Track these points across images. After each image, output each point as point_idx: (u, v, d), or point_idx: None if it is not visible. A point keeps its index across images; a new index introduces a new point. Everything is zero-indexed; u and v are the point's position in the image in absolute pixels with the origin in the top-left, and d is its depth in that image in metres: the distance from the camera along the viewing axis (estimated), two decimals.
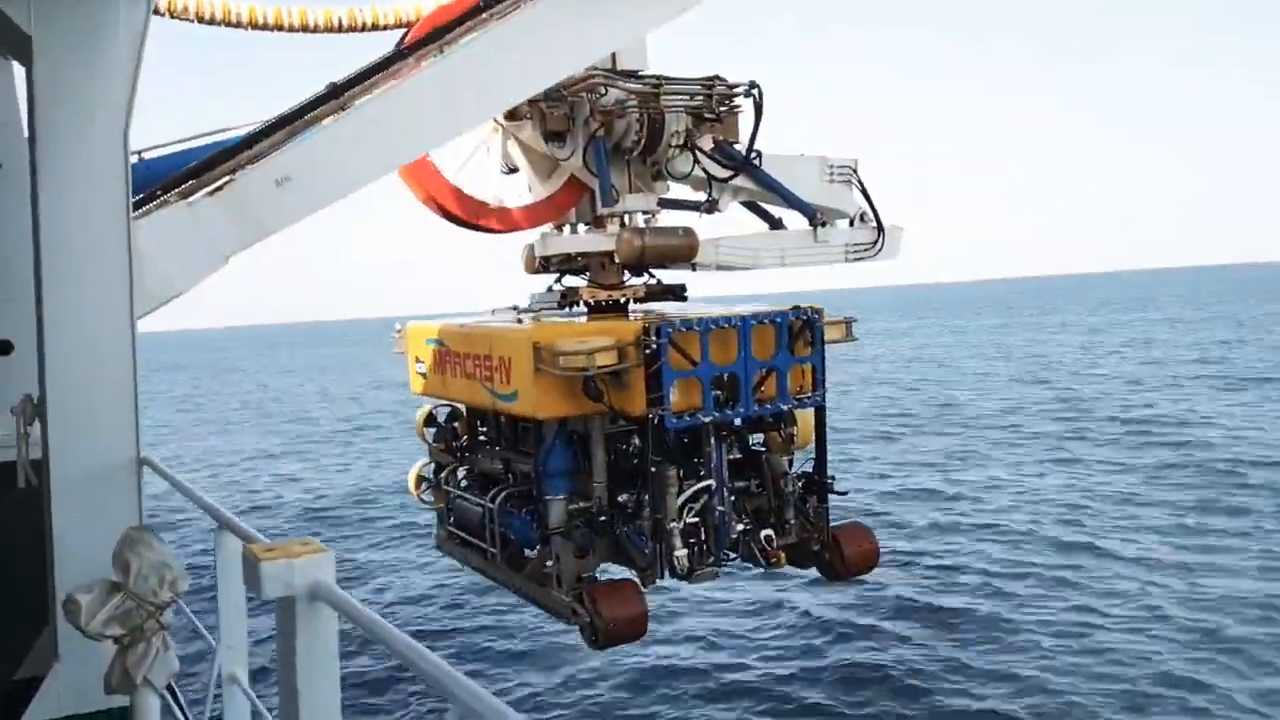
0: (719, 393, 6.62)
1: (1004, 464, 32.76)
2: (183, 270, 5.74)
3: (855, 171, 8.95)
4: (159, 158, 6.72)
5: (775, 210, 8.88)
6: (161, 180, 6.01)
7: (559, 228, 7.92)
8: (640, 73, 7.38)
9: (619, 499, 6.77)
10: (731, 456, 7.23)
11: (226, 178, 5.82)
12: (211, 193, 5.77)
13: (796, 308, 7.00)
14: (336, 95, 6.47)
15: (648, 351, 6.31)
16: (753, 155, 8.28)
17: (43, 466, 5.39)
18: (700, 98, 7.68)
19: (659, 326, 6.34)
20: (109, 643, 4.05)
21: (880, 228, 9.04)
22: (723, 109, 7.81)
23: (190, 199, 5.78)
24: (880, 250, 9.10)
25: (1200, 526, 22.76)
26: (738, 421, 6.93)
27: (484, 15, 6.66)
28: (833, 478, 7.43)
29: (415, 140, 6.55)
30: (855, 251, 9.01)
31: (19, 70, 8.50)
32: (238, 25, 8.46)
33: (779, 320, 6.83)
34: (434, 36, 6.68)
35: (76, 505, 5.20)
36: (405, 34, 7.32)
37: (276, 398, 77.38)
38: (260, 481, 37.03)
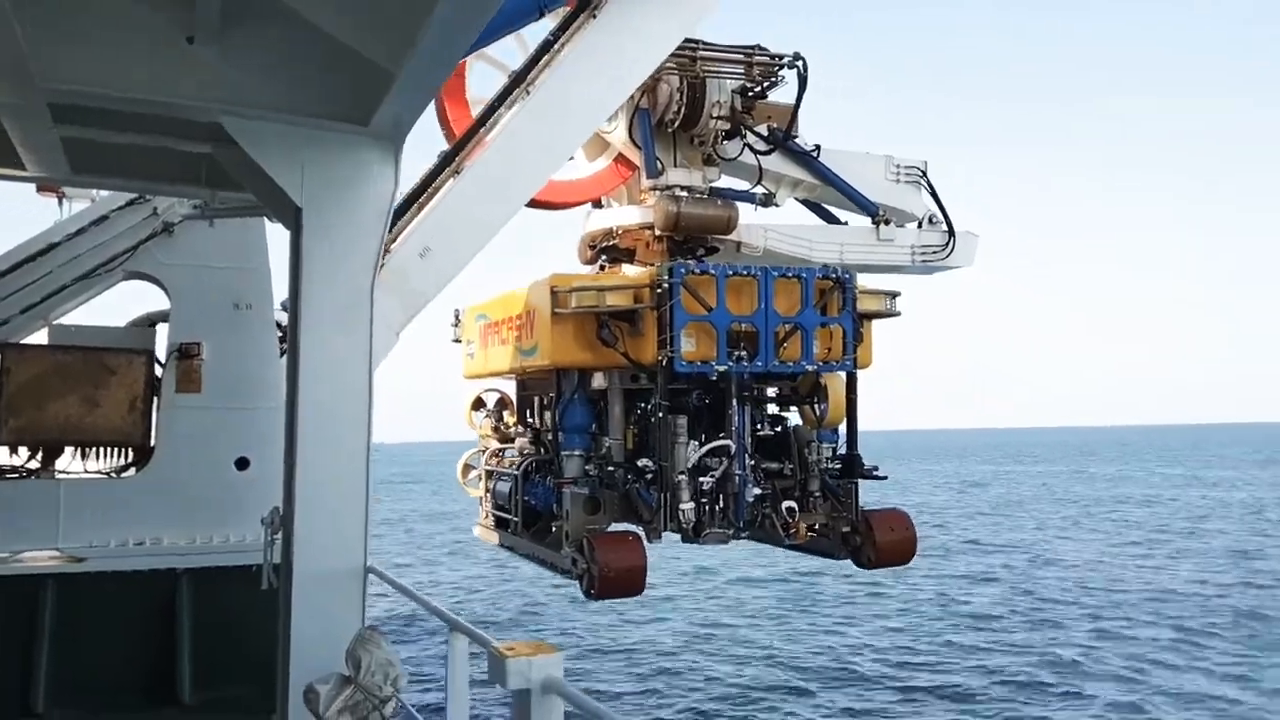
0: (741, 350, 6.25)
1: None
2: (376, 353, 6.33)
3: (925, 173, 8.59)
4: None
5: (841, 214, 8.56)
6: None
7: (600, 207, 7.78)
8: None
9: (638, 462, 6.41)
10: (761, 432, 6.85)
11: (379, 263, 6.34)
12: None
13: (826, 267, 6.79)
14: (449, 162, 6.84)
15: (659, 291, 6.15)
16: (811, 147, 7.96)
17: (283, 570, 6.31)
18: (740, 66, 7.40)
19: (672, 267, 6.21)
20: None
21: (951, 231, 8.59)
22: (766, 82, 7.52)
23: None
24: (951, 254, 8.63)
25: None
26: (756, 379, 6.37)
27: (554, 46, 6.88)
28: (875, 468, 6.83)
29: (527, 179, 6.93)
30: (923, 254, 8.55)
31: (269, 225, 10.03)
32: None
33: (805, 276, 6.55)
34: (514, 84, 6.91)
35: (311, 606, 6.04)
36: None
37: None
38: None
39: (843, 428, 6.91)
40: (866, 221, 8.39)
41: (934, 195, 8.67)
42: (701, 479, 6.27)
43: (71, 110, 6.12)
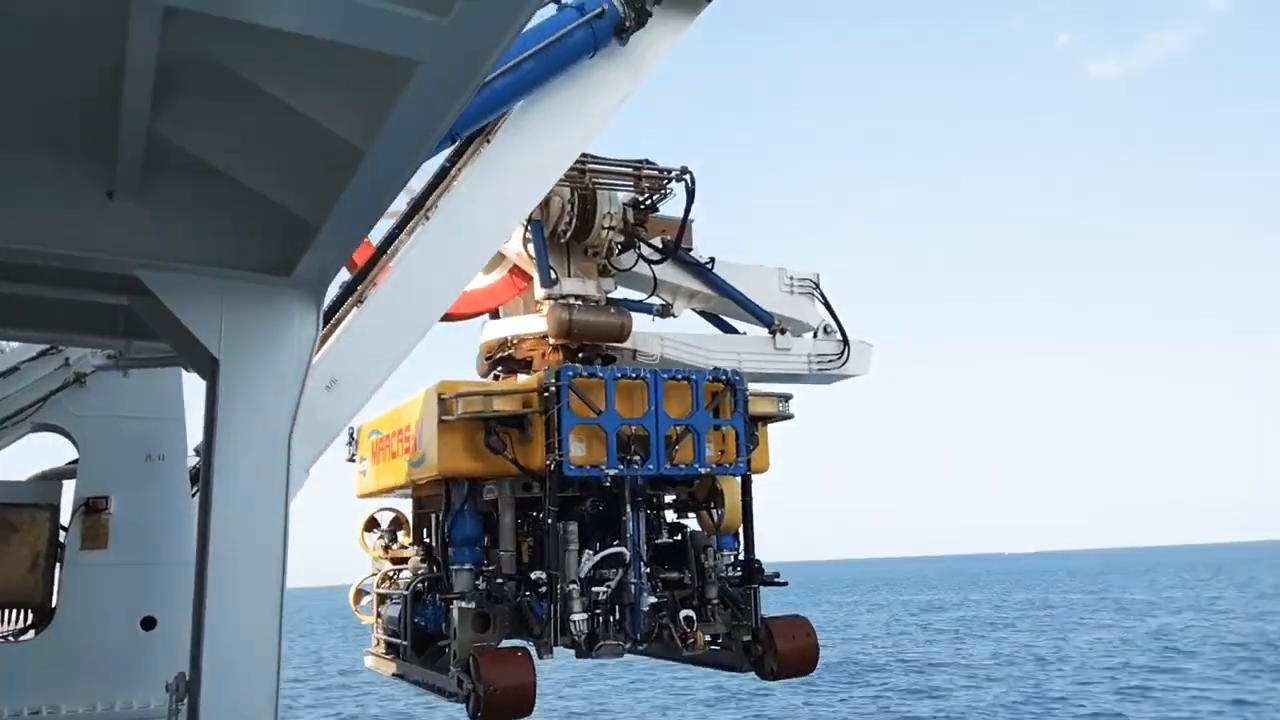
0: (633, 455, 6.21)
1: None
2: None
3: (817, 285, 8.89)
4: None
5: (740, 325, 8.87)
6: None
7: (497, 317, 7.87)
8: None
9: (532, 575, 6.24)
10: (659, 540, 6.82)
11: None
12: None
13: (717, 369, 6.86)
14: (351, 292, 7.00)
15: (546, 395, 6.13)
16: (705, 259, 8.29)
17: None
18: (629, 179, 7.70)
19: (559, 370, 6.22)
20: None
21: (845, 340, 8.86)
22: (655, 194, 7.81)
23: None
24: (847, 363, 8.84)
25: None
26: (650, 484, 6.40)
27: (450, 171, 7.05)
28: (777, 574, 6.77)
29: (430, 304, 7.00)
30: (820, 363, 8.80)
31: (186, 376, 9.86)
32: None
33: (695, 378, 6.61)
34: (413, 210, 7.10)
35: None
36: None
37: None
38: None
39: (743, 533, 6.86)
40: (763, 332, 8.66)
41: (827, 306, 9.06)
42: (596, 589, 6.14)
43: None
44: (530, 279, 7.94)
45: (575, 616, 6.00)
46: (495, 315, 8.12)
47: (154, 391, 9.64)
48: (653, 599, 6.37)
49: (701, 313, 9.12)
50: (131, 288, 6.28)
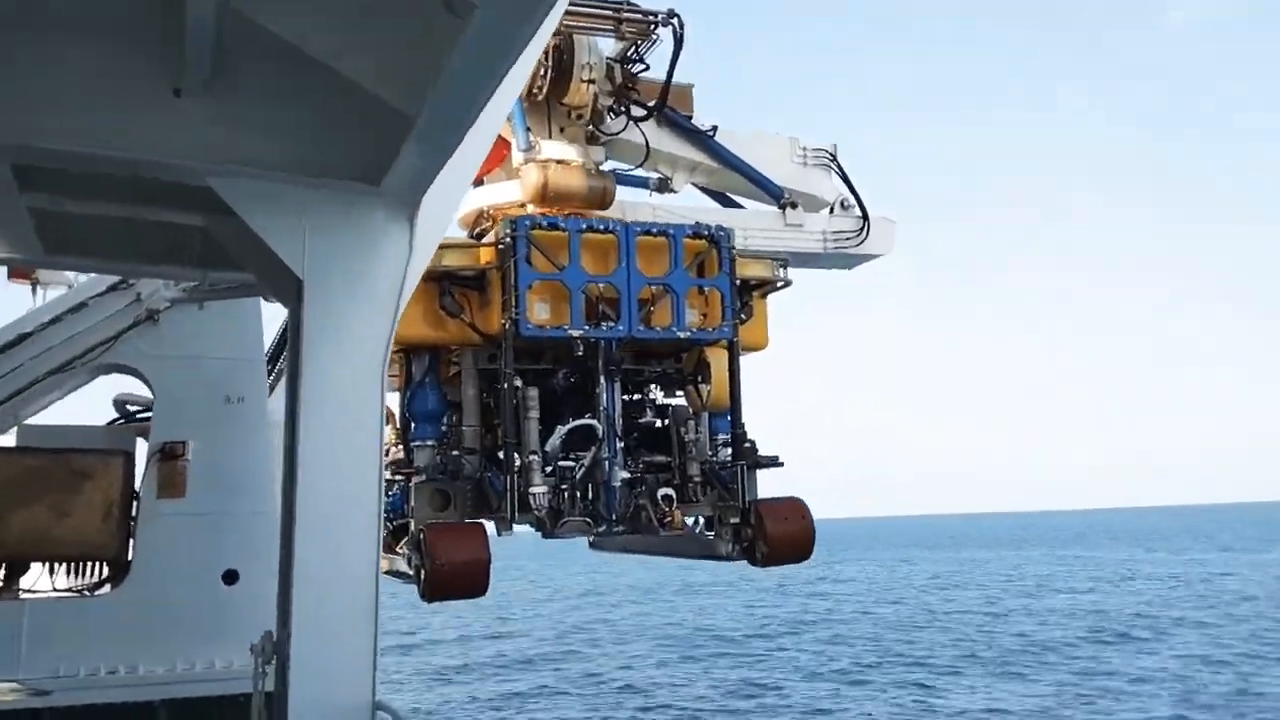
0: (607, 319, 5.86)
1: None
2: None
3: (834, 157, 8.29)
4: None
5: (747, 203, 8.23)
6: None
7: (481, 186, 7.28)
8: None
9: (498, 452, 5.96)
10: (642, 420, 6.47)
11: None
12: None
13: (698, 223, 6.37)
14: None
15: (502, 248, 5.74)
16: (708, 127, 7.55)
17: (276, 703, 5.49)
18: (609, 22, 7.04)
19: (516, 220, 5.82)
20: None
21: (865, 215, 8.26)
22: (640, 39, 7.19)
23: None
24: (866, 240, 8.28)
25: None
26: (627, 351, 6.00)
27: None
28: (775, 457, 6.30)
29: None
30: (836, 240, 8.20)
31: (266, 308, 9.40)
32: None
33: (673, 233, 6.15)
34: None
35: None
36: None
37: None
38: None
39: None
40: (773, 207, 8.07)
41: (845, 179, 8.40)
42: (565, 464, 5.86)
43: (39, 175, 5.55)
44: (511, 146, 7.28)
45: (535, 489, 5.68)
46: (479, 184, 7.43)
47: (231, 329, 9.23)
48: (625, 474, 6.05)
49: (704, 189, 8.49)
50: (205, 204, 5.72)
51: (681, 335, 6.16)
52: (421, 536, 5.67)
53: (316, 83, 4.92)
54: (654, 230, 6.20)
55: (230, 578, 8.89)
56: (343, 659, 5.31)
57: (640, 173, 7.79)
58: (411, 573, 5.94)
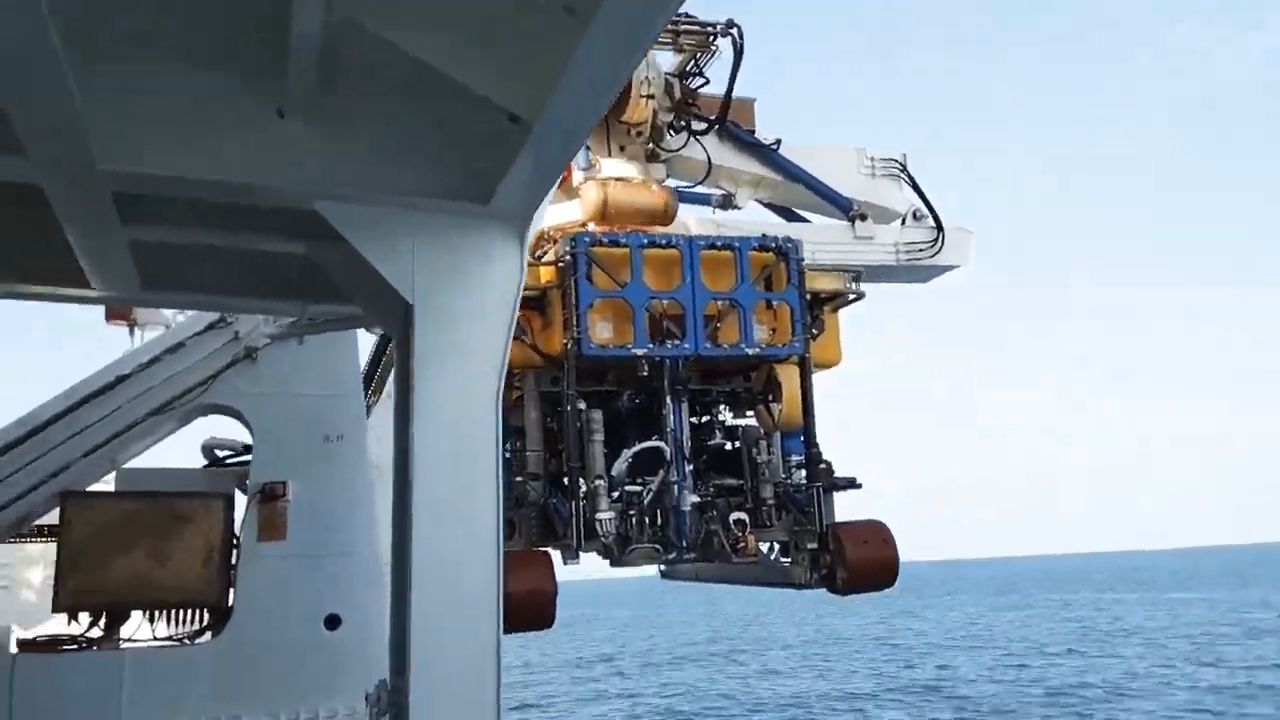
0: (673, 338, 5.75)
1: None
2: None
3: (904, 166, 8.14)
4: None
5: (813, 219, 8.08)
6: None
7: None
8: None
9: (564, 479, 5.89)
10: (712, 442, 6.28)
11: None
12: None
13: (765, 235, 6.23)
14: None
15: (562, 266, 5.65)
16: (771, 141, 7.51)
17: None
18: (666, 34, 6.96)
19: (576, 236, 5.71)
20: None
21: (939, 225, 8.03)
22: (699, 52, 7.08)
23: None
24: (941, 251, 8.05)
25: None
26: (694, 370, 5.90)
27: None
28: (853, 479, 6.16)
29: None
30: (910, 253, 8.01)
31: (363, 339, 9.20)
32: None
33: (738, 246, 6.04)
34: None
35: None
36: None
37: None
38: None
39: None
40: (842, 220, 7.97)
41: (916, 189, 8.18)
42: (631, 489, 5.78)
43: (139, 205, 5.35)
44: (571, 166, 7.27)
45: (601, 515, 5.55)
46: None
47: (329, 365, 9.06)
48: (695, 497, 5.91)
49: (769, 205, 8.40)
50: (308, 230, 5.51)
51: (750, 352, 6.03)
52: None
53: (429, 95, 4.71)
54: (718, 244, 6.09)
55: (332, 622, 8.64)
56: (464, 711, 4.97)
57: (702, 190, 7.72)
58: None
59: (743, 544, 5.91)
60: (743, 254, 6.09)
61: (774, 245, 6.20)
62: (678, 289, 5.92)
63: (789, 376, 6.24)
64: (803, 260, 6.32)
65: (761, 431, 6.48)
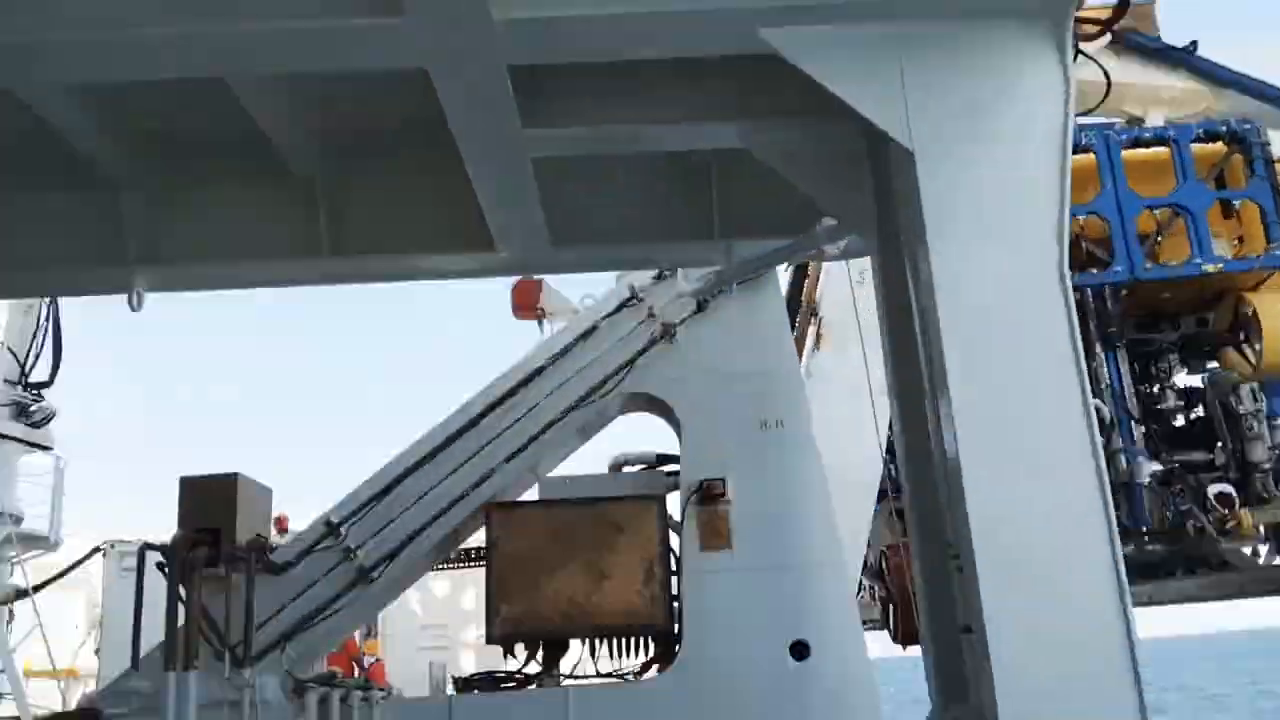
0: (1095, 256, 4.78)
1: None
2: None
3: None
4: None
5: None
6: None
7: None
8: None
9: None
10: (1162, 406, 5.26)
11: None
12: None
13: (1208, 121, 5.11)
14: None
15: None
16: (1186, 46, 6.42)
17: None
18: None
19: None
20: None
21: None
22: None
23: None
24: None
25: None
26: (1128, 299, 4.81)
27: None
28: None
29: None
30: None
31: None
32: None
33: (1175, 137, 5.01)
34: None
35: None
36: None
37: None
38: None
39: None
40: None
41: None
42: None
43: (540, 93, 4.39)
44: None
45: None
46: None
47: (755, 336, 7.83)
48: (1155, 465, 4.90)
49: None
50: (743, 104, 4.13)
51: (1208, 269, 4.84)
52: (884, 562, 5.28)
53: None
54: (1147, 136, 5.09)
55: (800, 651, 7.14)
56: None
57: (1099, 119, 6.30)
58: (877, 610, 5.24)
59: (1234, 522, 4.74)
60: (1182, 147, 5.08)
61: (1225, 130, 5.11)
62: (1095, 200, 4.90)
63: (1267, 306, 4.96)
64: (1268, 146, 5.21)
65: (1236, 377, 5.32)
